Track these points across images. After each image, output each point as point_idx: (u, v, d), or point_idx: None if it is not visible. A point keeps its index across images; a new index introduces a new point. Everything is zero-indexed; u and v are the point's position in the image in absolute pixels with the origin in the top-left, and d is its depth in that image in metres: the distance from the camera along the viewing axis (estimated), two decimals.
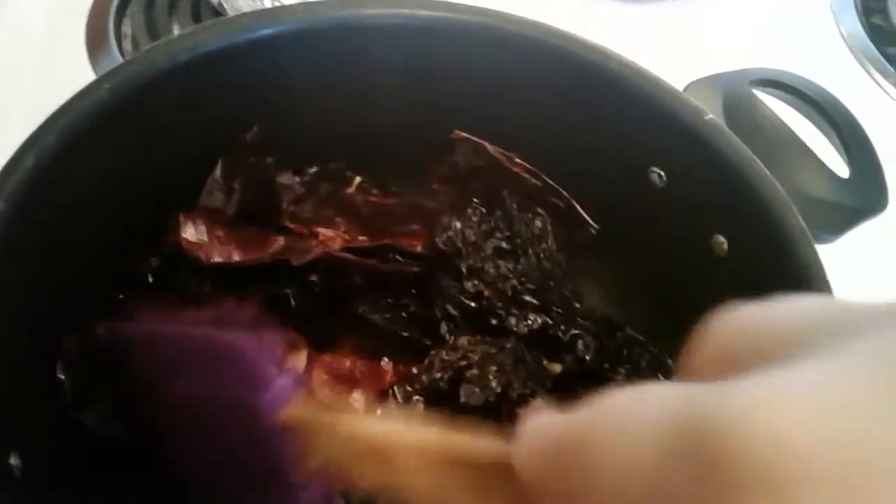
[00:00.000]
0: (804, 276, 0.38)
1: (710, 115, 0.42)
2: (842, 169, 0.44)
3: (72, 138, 0.38)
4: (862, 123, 0.56)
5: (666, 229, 0.46)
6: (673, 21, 0.67)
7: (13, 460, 0.33)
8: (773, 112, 0.44)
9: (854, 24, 0.67)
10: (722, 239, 0.43)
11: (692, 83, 0.46)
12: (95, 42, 0.59)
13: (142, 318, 0.37)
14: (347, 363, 0.45)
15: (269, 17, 0.43)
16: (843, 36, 0.66)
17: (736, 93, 0.45)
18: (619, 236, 0.48)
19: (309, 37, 0.42)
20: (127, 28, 0.61)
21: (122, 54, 0.59)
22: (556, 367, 0.44)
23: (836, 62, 0.65)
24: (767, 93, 0.46)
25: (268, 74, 0.43)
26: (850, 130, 0.44)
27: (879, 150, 0.53)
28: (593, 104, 0.45)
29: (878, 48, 0.66)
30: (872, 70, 0.64)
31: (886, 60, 0.65)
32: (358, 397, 0.44)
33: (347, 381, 0.44)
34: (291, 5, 0.42)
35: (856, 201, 0.43)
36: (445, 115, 0.48)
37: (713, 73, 0.46)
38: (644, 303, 0.48)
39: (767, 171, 0.40)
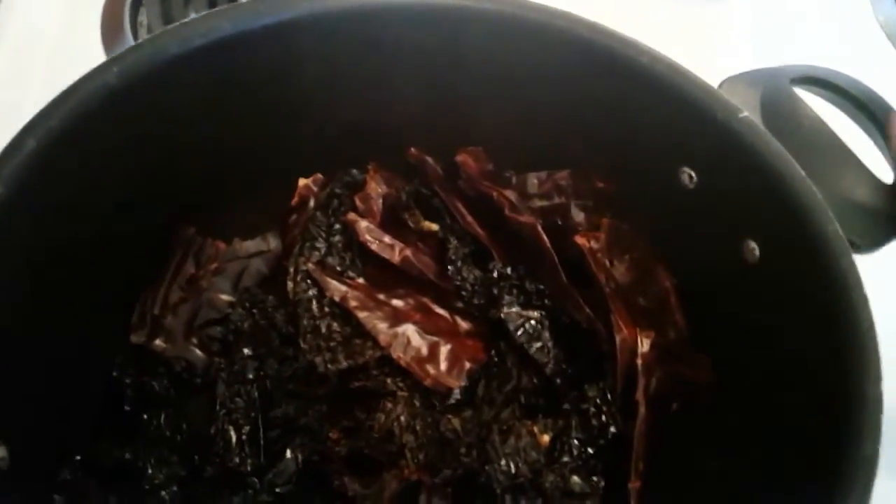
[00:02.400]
0: (841, 287, 0.36)
1: (745, 114, 0.40)
2: (887, 174, 0.41)
3: (77, 121, 0.37)
4: None
5: (695, 233, 0.44)
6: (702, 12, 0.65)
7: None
8: (814, 112, 0.42)
9: (891, 12, 0.64)
10: (754, 245, 0.41)
11: (728, 79, 0.43)
12: (111, 32, 0.58)
13: None
14: None
15: (285, 3, 0.41)
16: (880, 23, 0.63)
17: (775, 90, 0.42)
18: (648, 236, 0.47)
19: (326, 23, 0.40)
20: (143, 17, 0.60)
21: None
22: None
23: (872, 50, 0.62)
24: (809, 91, 0.43)
25: (282, 60, 0.42)
26: None
27: None
28: (622, 99, 0.43)
29: None
30: None
31: None
32: None
33: None
34: None
35: None
36: (466, 106, 0.46)
37: (748, 67, 0.44)
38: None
39: (804, 174, 0.38)
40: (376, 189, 0.47)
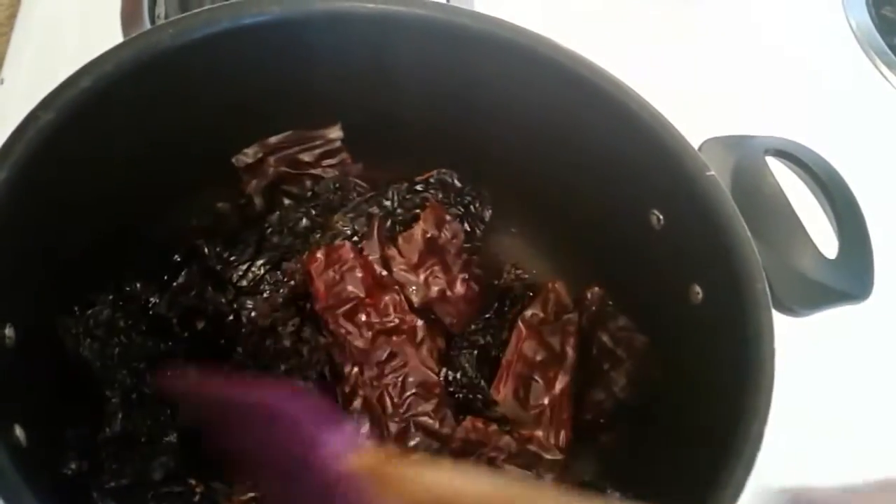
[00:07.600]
0: (755, 338, 0.40)
1: (712, 172, 0.44)
2: (832, 249, 0.45)
3: (129, 69, 0.42)
4: (866, 120, 0.56)
5: (654, 270, 0.48)
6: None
7: (8, 331, 0.37)
8: (777, 183, 0.46)
9: (863, 16, 0.67)
10: (698, 289, 0.45)
11: (709, 140, 0.47)
12: (130, 25, 0.62)
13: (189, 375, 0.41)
14: None
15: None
16: (851, 27, 0.66)
17: (749, 158, 0.46)
18: (613, 268, 0.51)
19: (336, 23, 0.45)
20: (161, 9, 0.63)
21: None
22: None
23: (844, 53, 0.65)
24: (780, 161, 0.47)
25: (288, 55, 0.47)
26: (849, 215, 0.45)
27: (880, 144, 0.55)
28: (609, 138, 0.47)
29: (885, 40, 0.66)
30: (879, 62, 0.64)
31: (893, 52, 0.65)
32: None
33: None
34: None
35: (837, 283, 0.44)
36: (475, 121, 0.51)
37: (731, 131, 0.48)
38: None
39: (749, 234, 0.42)
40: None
